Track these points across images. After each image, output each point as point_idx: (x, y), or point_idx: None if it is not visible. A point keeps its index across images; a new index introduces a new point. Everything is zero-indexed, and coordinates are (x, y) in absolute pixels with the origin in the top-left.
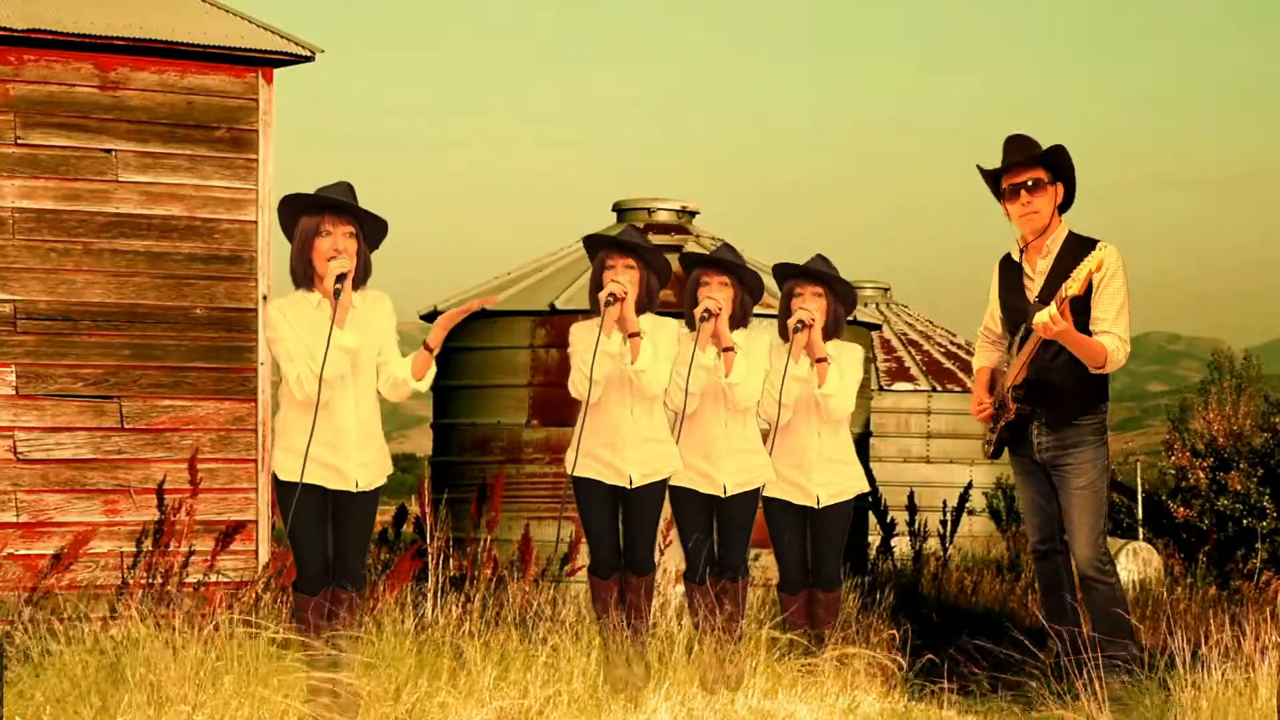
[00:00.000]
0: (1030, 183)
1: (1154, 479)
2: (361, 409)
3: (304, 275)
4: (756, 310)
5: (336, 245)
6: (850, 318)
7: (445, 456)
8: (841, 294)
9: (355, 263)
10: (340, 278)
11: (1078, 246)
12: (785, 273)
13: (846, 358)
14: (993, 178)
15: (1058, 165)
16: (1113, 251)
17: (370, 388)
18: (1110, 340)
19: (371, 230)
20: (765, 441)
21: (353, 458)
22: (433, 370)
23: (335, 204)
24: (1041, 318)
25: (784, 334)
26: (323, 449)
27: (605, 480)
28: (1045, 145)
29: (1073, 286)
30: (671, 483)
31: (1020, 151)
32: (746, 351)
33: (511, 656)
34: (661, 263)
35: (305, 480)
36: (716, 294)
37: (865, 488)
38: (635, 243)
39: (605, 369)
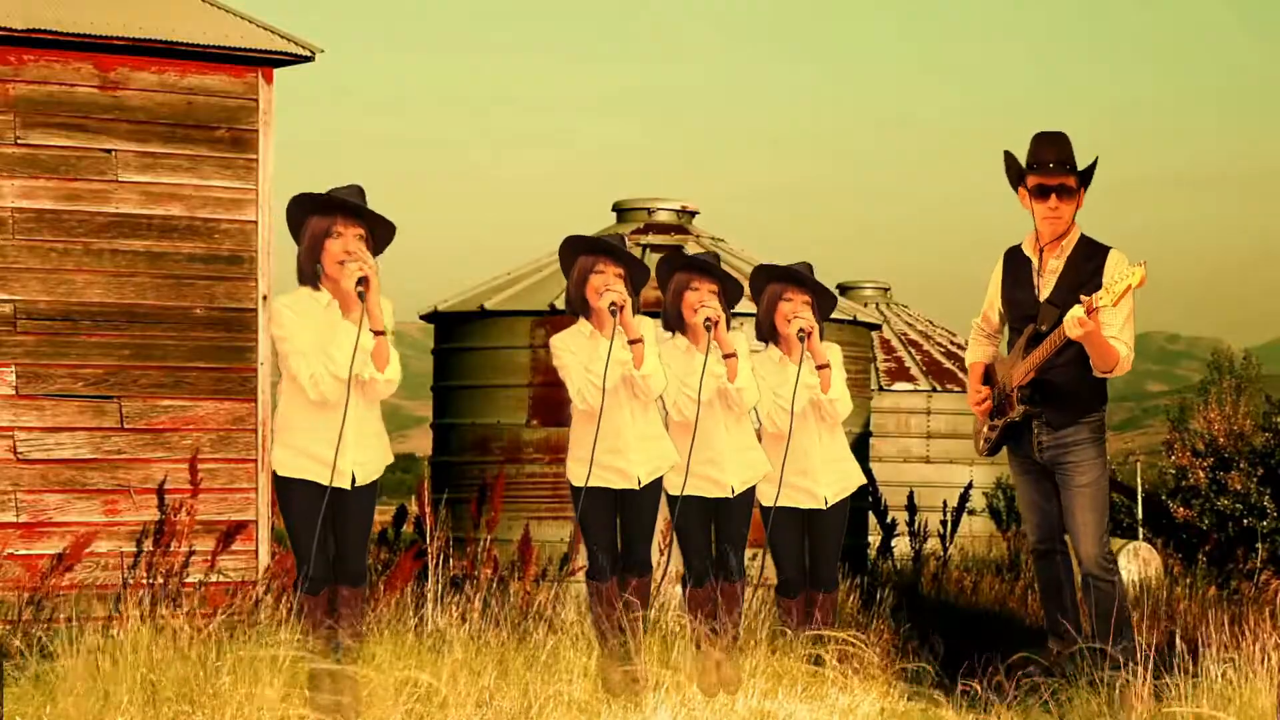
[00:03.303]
0: (1061, 188)
1: (1154, 479)
2: (359, 408)
3: (312, 274)
4: (735, 310)
5: (347, 247)
6: (850, 317)
7: (445, 456)
8: (824, 303)
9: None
10: (361, 280)
11: (1089, 249)
12: (770, 275)
13: (833, 359)
14: (1018, 169)
15: (1088, 177)
16: (1123, 259)
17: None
18: (1120, 347)
19: (380, 234)
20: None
21: (350, 456)
22: (393, 357)
23: (349, 206)
24: (1071, 325)
25: (763, 336)
26: (326, 447)
27: (612, 486)
28: None
29: (1105, 298)
30: (672, 492)
31: (1058, 156)
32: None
33: (511, 656)
34: (641, 269)
35: (304, 477)
36: (711, 301)
37: (863, 480)
38: (625, 250)
39: (615, 376)
